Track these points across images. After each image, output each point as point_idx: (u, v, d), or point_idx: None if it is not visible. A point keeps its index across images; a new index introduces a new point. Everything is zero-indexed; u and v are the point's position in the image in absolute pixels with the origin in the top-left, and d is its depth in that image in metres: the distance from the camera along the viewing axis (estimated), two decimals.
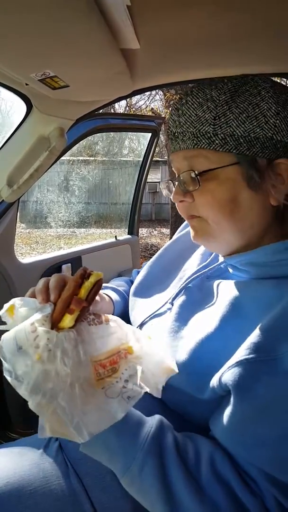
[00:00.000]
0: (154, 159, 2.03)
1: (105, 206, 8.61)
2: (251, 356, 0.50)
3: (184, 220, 0.71)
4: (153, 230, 8.55)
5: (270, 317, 0.52)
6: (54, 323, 0.53)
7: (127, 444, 0.53)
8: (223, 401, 0.54)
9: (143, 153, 2.02)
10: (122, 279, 0.99)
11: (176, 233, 0.90)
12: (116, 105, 9.37)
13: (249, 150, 0.56)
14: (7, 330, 0.53)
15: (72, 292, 0.54)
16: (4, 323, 0.56)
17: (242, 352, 0.51)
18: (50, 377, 0.49)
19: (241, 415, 0.51)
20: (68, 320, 0.53)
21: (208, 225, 0.62)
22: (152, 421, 0.56)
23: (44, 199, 7.82)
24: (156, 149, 2.01)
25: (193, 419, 0.62)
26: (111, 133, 7.05)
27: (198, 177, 0.58)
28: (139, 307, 0.78)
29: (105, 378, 0.53)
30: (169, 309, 0.69)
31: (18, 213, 1.42)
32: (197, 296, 0.67)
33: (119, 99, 1.10)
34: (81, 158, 8.35)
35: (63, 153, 1.23)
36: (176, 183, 0.63)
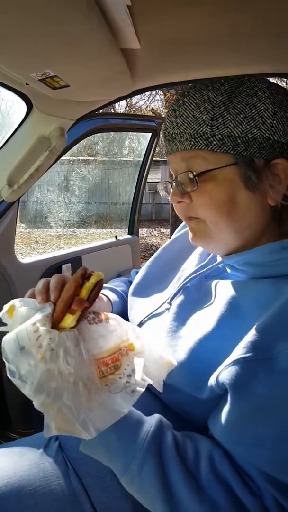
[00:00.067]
0: (154, 159, 2.03)
1: (105, 206, 8.60)
2: (248, 354, 0.50)
3: None
4: (153, 230, 8.55)
5: (267, 316, 0.53)
6: (55, 323, 0.53)
7: (126, 443, 0.53)
8: (221, 400, 0.54)
9: (143, 153, 2.02)
10: (121, 280, 0.99)
11: (174, 233, 0.90)
12: (116, 105, 9.38)
13: (246, 151, 0.56)
14: (7, 332, 0.53)
15: (73, 292, 0.54)
16: (4, 324, 0.56)
17: (239, 351, 0.51)
18: (53, 377, 0.49)
19: (239, 414, 0.51)
20: (70, 320, 0.53)
21: (207, 226, 0.62)
22: (152, 420, 0.56)
23: (44, 199, 7.82)
24: (156, 149, 2.01)
25: (192, 419, 0.62)
26: (111, 133, 7.05)
27: (196, 178, 0.58)
28: (137, 307, 0.78)
29: (108, 376, 0.53)
30: (167, 309, 0.70)
31: (18, 213, 1.42)
32: (195, 296, 0.67)
33: (119, 99, 1.10)
34: (81, 158, 8.35)
35: (63, 153, 1.24)
36: (174, 184, 0.63)
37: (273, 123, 0.56)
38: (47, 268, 1.54)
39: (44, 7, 0.52)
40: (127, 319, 0.81)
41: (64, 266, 1.60)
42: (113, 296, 0.86)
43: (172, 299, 0.70)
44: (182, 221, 0.85)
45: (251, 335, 0.52)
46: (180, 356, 0.59)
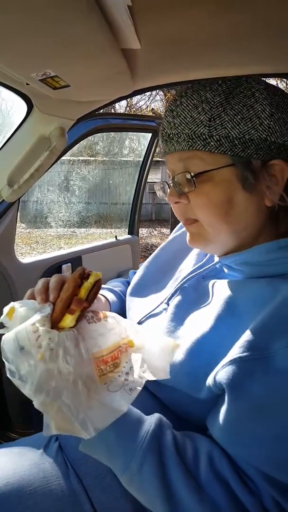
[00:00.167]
0: (155, 159, 2.03)
1: (105, 206, 8.60)
2: (244, 354, 0.50)
3: None
4: (153, 230, 8.55)
5: (263, 315, 0.53)
6: (54, 323, 0.53)
7: (126, 442, 0.53)
8: (219, 400, 0.54)
9: (143, 153, 2.02)
10: (119, 280, 0.99)
11: (172, 233, 0.90)
12: (117, 105, 9.38)
13: (243, 152, 0.56)
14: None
15: (72, 292, 0.54)
16: (4, 327, 0.56)
17: (236, 350, 0.52)
18: (53, 376, 0.49)
19: (236, 414, 0.52)
20: (69, 320, 0.53)
21: (204, 229, 0.62)
22: (152, 419, 0.56)
23: (45, 199, 7.82)
24: (157, 149, 2.01)
25: (191, 419, 0.62)
26: (112, 133, 7.05)
27: (193, 178, 0.58)
28: (135, 307, 0.78)
29: (107, 374, 0.54)
30: (165, 309, 0.70)
31: (19, 213, 1.42)
32: (192, 296, 0.67)
33: (120, 99, 1.10)
34: (81, 158, 8.35)
35: (63, 153, 1.24)
36: (171, 184, 0.63)
37: (270, 124, 0.56)
38: (47, 268, 1.54)
39: (44, 7, 0.52)
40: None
41: (64, 266, 1.60)
42: (111, 297, 0.86)
43: (169, 299, 0.70)
44: None
45: (247, 335, 0.52)
46: (178, 356, 0.59)
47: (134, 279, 0.85)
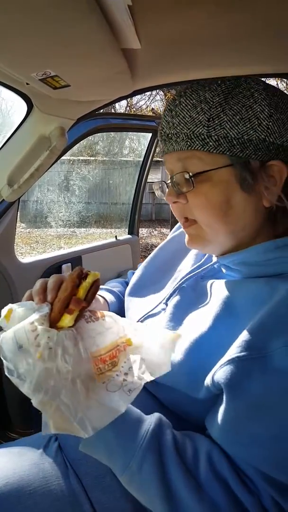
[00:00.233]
0: (155, 159, 2.03)
1: (105, 206, 8.60)
2: (242, 354, 0.50)
3: None
4: (153, 230, 8.55)
5: (260, 314, 0.53)
6: (53, 323, 0.53)
7: (126, 441, 0.53)
8: (218, 400, 0.55)
9: (143, 153, 2.02)
10: (117, 281, 0.99)
11: (170, 233, 0.90)
12: (117, 105, 9.39)
13: (242, 152, 0.56)
14: None
15: (70, 292, 0.54)
16: (2, 330, 0.56)
17: (234, 350, 0.52)
18: (51, 375, 0.49)
19: (235, 413, 0.52)
20: (67, 320, 0.53)
21: (203, 230, 0.62)
22: (151, 419, 0.56)
23: (45, 198, 7.81)
24: (157, 149, 2.01)
25: (190, 419, 0.62)
26: (112, 133, 7.05)
27: (192, 178, 0.58)
28: (134, 308, 0.78)
29: (105, 373, 0.54)
30: (164, 309, 0.70)
31: (18, 212, 1.42)
32: (191, 296, 0.67)
33: (120, 99, 1.10)
34: (81, 158, 8.35)
35: (63, 152, 1.24)
36: (170, 184, 0.63)
37: (268, 124, 0.56)
38: (47, 268, 1.54)
39: (44, 7, 0.52)
40: None
41: (64, 266, 1.60)
42: (109, 297, 0.86)
43: (168, 299, 0.70)
44: None
45: (245, 334, 0.52)
46: (176, 356, 0.59)
47: (133, 279, 0.85)
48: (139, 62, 0.84)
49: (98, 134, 1.62)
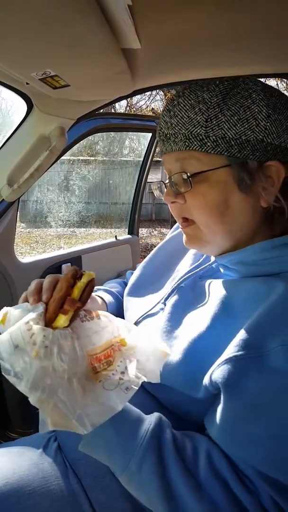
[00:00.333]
0: (155, 159, 2.03)
1: (105, 206, 8.60)
2: (240, 353, 0.51)
3: None
4: (153, 230, 8.55)
5: (258, 313, 0.53)
6: (48, 323, 0.53)
7: (126, 441, 0.53)
8: (216, 400, 0.55)
9: (143, 153, 2.02)
10: (116, 281, 0.99)
11: (169, 233, 0.90)
12: (117, 105, 9.39)
13: (240, 153, 0.56)
14: None
15: (65, 292, 0.55)
16: None
17: (231, 349, 0.52)
18: (47, 374, 0.49)
19: (233, 413, 0.52)
20: (62, 320, 0.54)
21: (200, 231, 0.62)
22: (151, 418, 0.56)
23: (44, 198, 7.81)
24: (157, 149, 2.01)
25: (190, 419, 0.62)
26: (112, 133, 7.05)
27: (190, 178, 0.58)
28: (132, 308, 0.78)
29: (101, 372, 0.54)
30: (162, 309, 0.70)
31: (18, 212, 1.42)
32: (189, 295, 0.67)
33: (120, 99, 1.10)
34: (81, 157, 8.35)
35: (63, 152, 1.23)
36: (168, 184, 0.63)
37: (266, 125, 0.56)
38: (47, 268, 1.54)
39: (44, 7, 0.52)
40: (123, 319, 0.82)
41: (64, 266, 1.60)
42: (108, 298, 0.86)
43: (166, 299, 0.70)
44: None
45: (243, 333, 0.52)
46: (175, 356, 0.59)
47: (132, 280, 0.85)
48: (139, 62, 0.84)
49: (98, 134, 1.62)
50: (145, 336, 0.59)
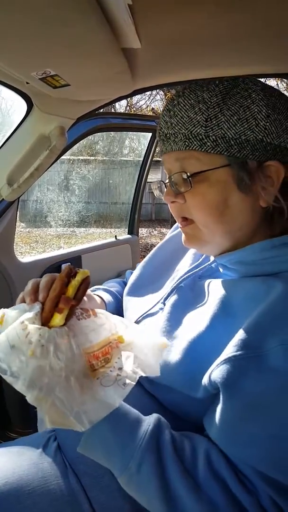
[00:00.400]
0: (155, 159, 2.03)
1: (105, 205, 8.60)
2: (239, 353, 0.51)
3: None
4: (153, 230, 8.55)
5: (256, 313, 0.53)
6: (45, 323, 0.54)
7: (125, 442, 0.53)
8: (215, 399, 0.55)
9: (143, 153, 2.02)
10: (115, 281, 0.99)
11: (169, 233, 0.90)
12: (117, 104, 9.39)
13: (239, 152, 0.56)
14: None
15: (59, 291, 0.55)
16: None
17: (230, 349, 0.52)
18: (44, 372, 0.49)
19: (232, 413, 0.52)
20: (58, 319, 0.54)
21: (200, 230, 0.62)
22: (150, 419, 0.56)
23: (44, 198, 7.81)
24: (157, 149, 2.01)
25: (189, 419, 0.62)
26: (112, 132, 7.05)
27: (190, 178, 0.58)
28: (132, 307, 0.78)
29: (99, 369, 0.54)
30: (161, 308, 0.70)
31: (18, 212, 1.42)
32: (188, 295, 0.67)
33: (120, 99, 1.10)
34: (81, 157, 8.35)
35: (63, 152, 1.23)
36: (168, 184, 0.63)
37: (266, 125, 0.56)
38: (47, 268, 1.54)
39: (44, 7, 0.52)
40: None
41: (63, 266, 1.60)
42: (107, 297, 0.86)
43: (166, 298, 0.71)
44: None
45: (242, 333, 0.52)
46: (174, 355, 0.59)
47: (131, 279, 0.85)
48: (139, 61, 0.84)
49: (98, 133, 1.62)
50: (143, 332, 0.59)
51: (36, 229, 7.57)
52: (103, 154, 9.08)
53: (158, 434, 0.54)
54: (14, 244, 1.43)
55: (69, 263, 1.63)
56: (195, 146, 0.57)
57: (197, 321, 0.61)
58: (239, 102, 0.56)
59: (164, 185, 0.68)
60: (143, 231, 8.18)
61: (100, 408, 0.50)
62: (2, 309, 0.56)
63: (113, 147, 9.32)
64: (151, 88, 1.08)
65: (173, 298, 0.69)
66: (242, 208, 0.59)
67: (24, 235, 7.12)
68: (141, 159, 2.03)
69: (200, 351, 0.57)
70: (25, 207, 7.59)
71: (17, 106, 1.09)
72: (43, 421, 0.48)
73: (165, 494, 0.50)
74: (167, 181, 0.64)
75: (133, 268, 0.91)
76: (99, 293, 0.86)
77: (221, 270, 0.67)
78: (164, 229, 8.51)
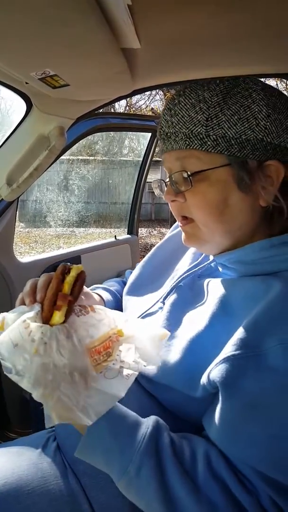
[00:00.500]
0: (154, 159, 2.03)
1: (105, 205, 8.60)
2: (237, 352, 0.51)
3: None
4: (153, 230, 8.54)
5: (255, 312, 0.53)
6: (45, 322, 0.54)
7: (123, 445, 0.53)
8: (214, 399, 0.55)
9: (143, 152, 2.02)
10: (114, 280, 0.99)
11: (168, 232, 0.90)
12: (116, 104, 9.38)
13: (240, 152, 0.57)
14: None
15: (56, 289, 0.56)
16: None
17: (229, 348, 0.52)
18: (49, 370, 0.50)
19: (231, 413, 0.52)
20: (57, 317, 0.54)
21: (199, 229, 0.62)
22: (148, 422, 0.56)
23: (44, 198, 7.81)
24: (156, 149, 2.01)
25: (189, 418, 0.62)
26: (111, 132, 7.05)
27: (190, 177, 0.58)
28: (131, 307, 0.79)
29: (101, 363, 0.55)
30: (161, 308, 0.70)
31: (17, 212, 1.41)
32: (188, 295, 0.67)
33: (119, 99, 1.10)
34: (80, 157, 8.35)
35: (62, 152, 1.23)
36: (168, 182, 0.63)
37: (266, 125, 0.56)
38: (46, 268, 1.54)
39: (44, 7, 0.52)
40: None
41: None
42: (106, 295, 0.86)
43: (165, 298, 0.71)
44: None
45: (240, 332, 0.52)
46: (173, 355, 0.59)
47: (131, 279, 0.85)
48: (138, 61, 0.84)
49: (98, 133, 1.61)
50: (142, 324, 0.60)
51: (35, 229, 7.56)
52: (102, 154, 9.08)
53: (157, 436, 0.54)
54: (14, 244, 1.43)
55: (68, 263, 1.62)
56: (196, 145, 0.57)
57: (196, 320, 0.61)
58: (240, 101, 0.56)
59: (164, 184, 0.68)
60: (142, 231, 8.18)
61: (106, 399, 0.50)
62: (1, 313, 0.57)
63: (113, 147, 9.32)
64: (150, 88, 1.08)
65: (173, 297, 0.69)
66: (242, 208, 0.59)
67: (23, 235, 7.11)
68: (141, 159, 2.03)
69: (199, 350, 0.57)
70: (24, 207, 7.58)
71: (16, 106, 1.09)
72: (50, 418, 0.48)
73: (165, 496, 0.50)
74: (167, 180, 0.64)
75: (133, 268, 0.91)
76: (98, 292, 0.86)
77: (220, 269, 0.67)
78: (164, 229, 8.51)
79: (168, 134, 0.60)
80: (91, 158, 8.61)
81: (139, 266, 0.87)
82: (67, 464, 0.66)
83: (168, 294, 0.71)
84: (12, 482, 0.61)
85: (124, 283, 0.96)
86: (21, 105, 1.05)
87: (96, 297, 0.82)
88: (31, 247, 6.57)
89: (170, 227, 0.94)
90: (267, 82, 0.63)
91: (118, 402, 0.53)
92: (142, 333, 0.59)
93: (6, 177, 1.15)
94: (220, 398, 0.52)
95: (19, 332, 0.50)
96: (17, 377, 0.49)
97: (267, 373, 0.49)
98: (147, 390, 0.65)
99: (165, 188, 0.64)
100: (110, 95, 1.06)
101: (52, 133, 1.09)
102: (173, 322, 0.64)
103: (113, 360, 0.55)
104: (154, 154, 2.00)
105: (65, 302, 0.55)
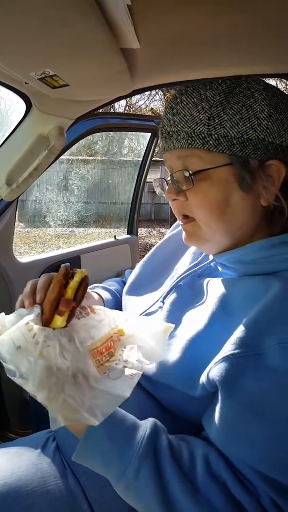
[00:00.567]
0: (154, 159, 2.03)
1: (104, 205, 8.60)
2: (237, 351, 0.51)
3: None
4: (152, 230, 8.55)
5: (255, 312, 0.53)
6: (45, 325, 0.54)
7: (122, 449, 0.52)
8: (214, 399, 0.55)
9: (142, 152, 2.02)
10: (114, 280, 0.99)
11: (168, 232, 0.90)
12: (116, 104, 9.38)
13: (241, 151, 0.57)
14: None
15: (58, 293, 0.55)
16: None
17: (228, 347, 0.52)
18: (52, 373, 0.49)
19: (231, 413, 0.52)
20: (59, 322, 0.54)
21: (200, 228, 0.62)
22: (146, 424, 0.55)
23: (43, 198, 7.81)
24: (156, 149, 2.01)
25: (188, 418, 0.62)
26: (111, 132, 7.05)
27: (191, 176, 0.58)
28: (131, 306, 0.79)
29: (104, 364, 0.55)
30: (160, 307, 0.70)
31: (17, 212, 1.41)
32: (187, 294, 0.67)
33: (119, 99, 1.10)
34: (80, 157, 8.35)
35: (62, 152, 1.23)
36: (170, 181, 0.63)
37: (268, 124, 0.56)
38: (46, 268, 1.54)
39: (44, 7, 0.52)
40: None
41: (62, 266, 1.59)
42: (105, 294, 0.86)
43: (165, 297, 0.71)
44: None
45: (239, 332, 0.52)
46: (173, 354, 0.59)
47: (130, 278, 0.85)
48: (138, 61, 0.84)
49: (97, 133, 1.61)
50: (142, 321, 0.60)
51: (35, 229, 7.56)
52: (102, 154, 9.08)
53: (155, 439, 0.54)
54: (13, 244, 1.43)
55: (68, 263, 1.62)
56: (198, 144, 0.57)
57: (196, 319, 0.61)
58: (242, 101, 0.56)
59: (165, 183, 0.68)
60: (142, 231, 8.18)
61: (111, 400, 0.50)
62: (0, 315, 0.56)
63: (112, 147, 9.32)
64: (150, 88, 1.08)
65: (172, 296, 0.69)
66: (243, 207, 0.59)
67: (23, 235, 7.11)
68: (140, 159, 2.03)
69: (198, 350, 0.57)
70: (24, 207, 7.58)
71: (16, 106, 1.08)
72: (56, 420, 0.48)
73: (163, 499, 0.50)
74: (168, 178, 0.64)
75: (132, 268, 0.91)
76: (97, 291, 0.86)
77: (220, 269, 0.67)
78: (163, 229, 8.51)
79: (170, 132, 0.60)
80: (90, 158, 8.61)
81: (138, 266, 0.87)
82: (67, 465, 0.66)
83: (168, 293, 0.71)
84: (11, 483, 0.61)
85: (124, 283, 0.96)
86: (21, 105, 1.05)
87: (95, 296, 0.82)
88: (30, 247, 6.57)
89: (170, 227, 0.94)
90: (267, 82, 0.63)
91: None
92: (144, 331, 0.59)
93: (5, 177, 1.15)
94: (219, 398, 0.52)
95: (22, 334, 0.50)
96: (21, 380, 0.49)
97: (267, 373, 0.49)
98: (147, 390, 0.65)
99: (166, 187, 0.64)
100: (109, 95, 1.06)
101: (52, 133, 1.09)
102: (173, 321, 0.64)
103: (116, 360, 0.55)
104: (154, 154, 2.00)
105: (68, 308, 0.54)
